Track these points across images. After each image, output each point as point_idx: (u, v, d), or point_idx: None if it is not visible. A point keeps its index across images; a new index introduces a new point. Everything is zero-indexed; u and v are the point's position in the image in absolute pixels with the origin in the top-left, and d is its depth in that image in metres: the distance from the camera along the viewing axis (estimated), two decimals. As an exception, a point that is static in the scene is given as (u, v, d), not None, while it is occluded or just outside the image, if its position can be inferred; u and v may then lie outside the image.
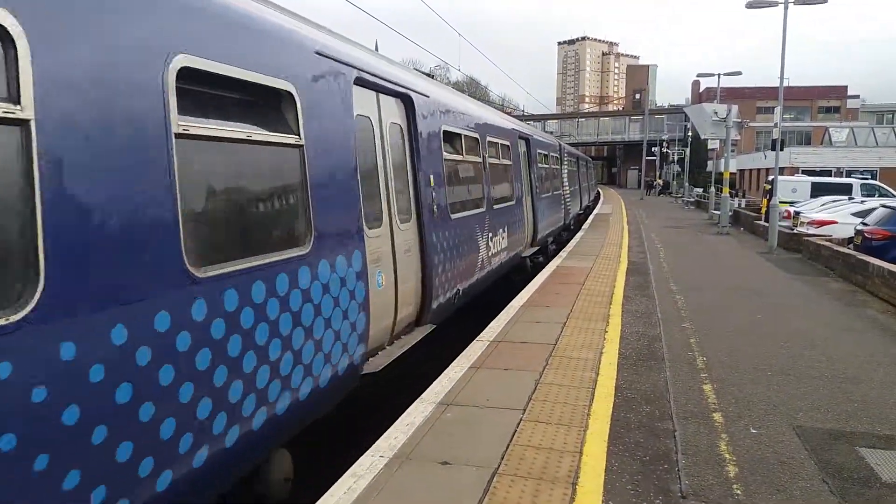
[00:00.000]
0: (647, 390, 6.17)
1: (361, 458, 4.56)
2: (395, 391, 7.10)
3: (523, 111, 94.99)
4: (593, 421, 5.33)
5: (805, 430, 5.30)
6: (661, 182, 66.96)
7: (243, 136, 3.99)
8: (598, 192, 52.63)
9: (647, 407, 5.73)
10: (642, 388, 6.23)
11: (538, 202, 15.57)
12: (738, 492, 4.23)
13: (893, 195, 25.26)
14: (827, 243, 15.42)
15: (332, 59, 5.21)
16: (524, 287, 11.35)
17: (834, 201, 22.47)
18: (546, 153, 18.05)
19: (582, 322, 8.75)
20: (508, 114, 31.43)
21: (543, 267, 14.09)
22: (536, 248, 15.14)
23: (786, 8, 18.95)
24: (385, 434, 4.97)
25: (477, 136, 9.98)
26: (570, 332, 8.20)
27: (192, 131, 3.47)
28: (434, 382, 6.20)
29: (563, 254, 16.14)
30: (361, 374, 5.49)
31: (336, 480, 4.22)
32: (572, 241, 19.48)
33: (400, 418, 5.30)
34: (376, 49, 8.99)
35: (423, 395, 5.85)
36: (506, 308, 9.55)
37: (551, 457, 4.63)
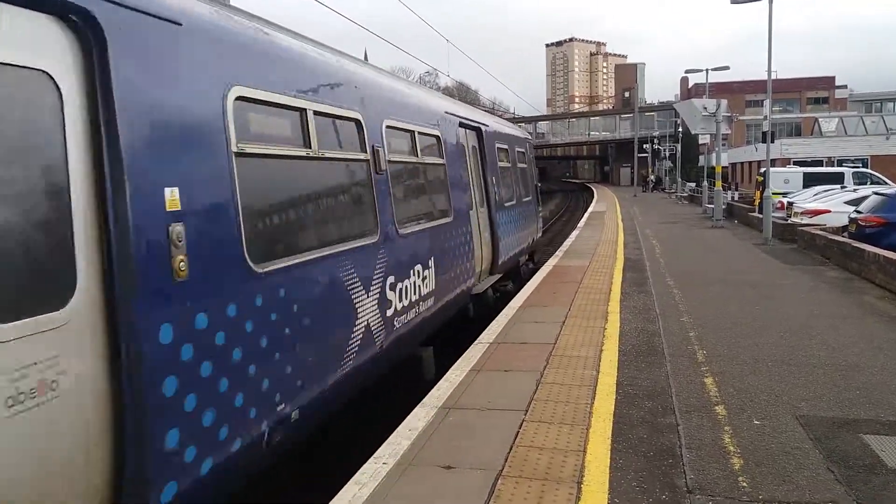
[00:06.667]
0: (649, 386, 6.15)
1: (365, 465, 4.53)
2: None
3: (514, 113, 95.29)
4: (596, 419, 5.31)
5: (808, 420, 5.29)
6: (653, 178, 66.98)
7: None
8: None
9: (650, 402, 5.71)
10: (644, 383, 6.22)
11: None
12: (744, 484, 4.21)
13: (885, 182, 25.32)
14: (822, 232, 15.43)
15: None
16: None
17: (826, 190, 22.50)
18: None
19: (581, 320, 8.74)
20: (500, 116, 31.44)
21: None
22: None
23: (770, 2, 19.03)
24: (388, 440, 4.94)
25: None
26: (570, 330, 8.19)
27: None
28: (435, 387, 6.17)
29: (559, 253, 16.13)
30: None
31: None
32: (567, 239, 19.47)
33: (402, 423, 5.27)
34: (365, 58, 10.06)
35: (425, 399, 5.83)
36: (504, 309, 9.54)
37: (555, 457, 4.61)
